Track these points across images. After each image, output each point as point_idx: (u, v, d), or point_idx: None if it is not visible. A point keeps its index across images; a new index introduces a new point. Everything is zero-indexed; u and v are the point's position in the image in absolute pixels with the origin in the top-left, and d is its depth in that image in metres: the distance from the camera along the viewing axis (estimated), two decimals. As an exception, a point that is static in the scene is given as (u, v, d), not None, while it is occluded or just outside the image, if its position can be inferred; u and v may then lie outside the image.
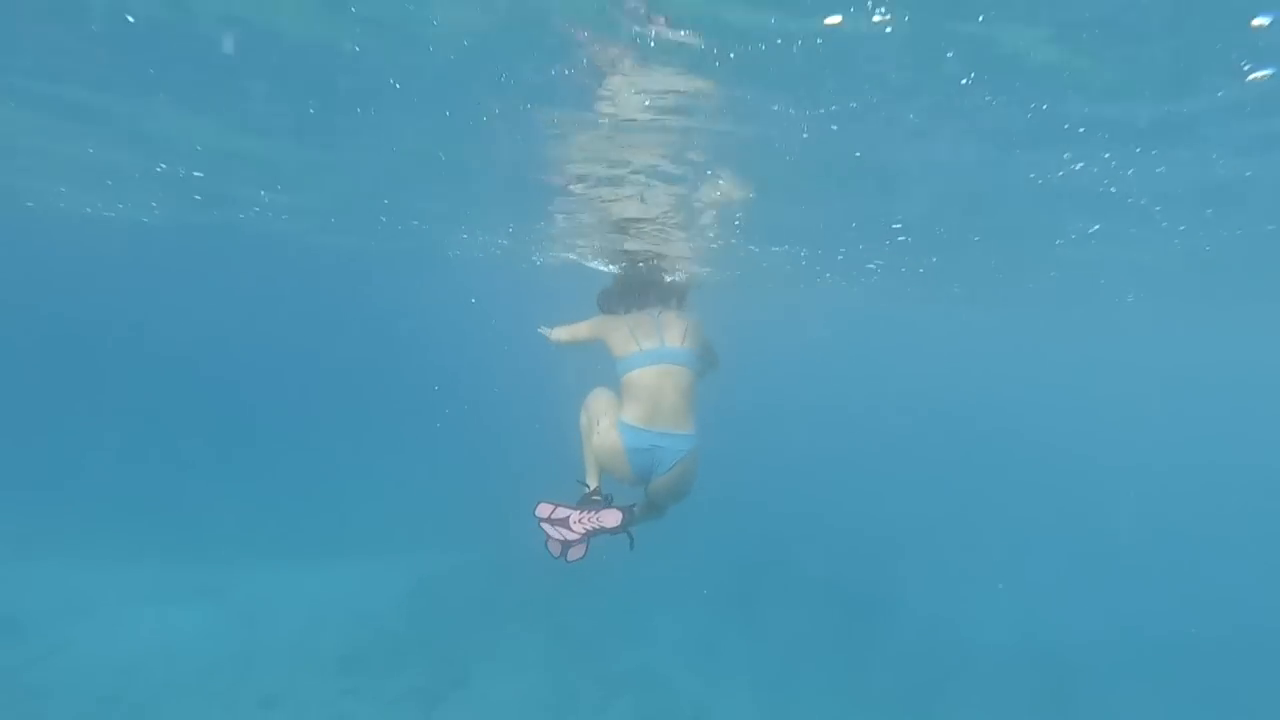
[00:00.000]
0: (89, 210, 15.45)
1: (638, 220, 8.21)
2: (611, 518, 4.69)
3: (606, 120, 5.57)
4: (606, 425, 4.57)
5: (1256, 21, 3.87)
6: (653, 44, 4.36)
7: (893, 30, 4.07)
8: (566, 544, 4.81)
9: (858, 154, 6.39)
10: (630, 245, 8.89)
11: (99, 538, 11.56)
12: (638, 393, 4.54)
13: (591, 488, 4.87)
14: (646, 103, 5.24)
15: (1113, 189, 7.29)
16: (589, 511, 4.74)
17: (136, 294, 34.36)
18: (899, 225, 9.65)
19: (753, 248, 10.90)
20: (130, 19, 4.91)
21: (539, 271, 15.18)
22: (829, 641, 11.24)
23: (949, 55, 4.39)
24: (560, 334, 5.20)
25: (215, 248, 21.76)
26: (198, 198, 12.60)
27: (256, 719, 8.16)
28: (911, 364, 39.15)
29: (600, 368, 5.05)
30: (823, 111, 5.38)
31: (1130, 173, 6.58)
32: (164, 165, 9.86)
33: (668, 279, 5.42)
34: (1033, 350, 32.47)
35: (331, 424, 21.02)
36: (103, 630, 9.35)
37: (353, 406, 25.56)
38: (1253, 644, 12.18)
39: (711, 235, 9.21)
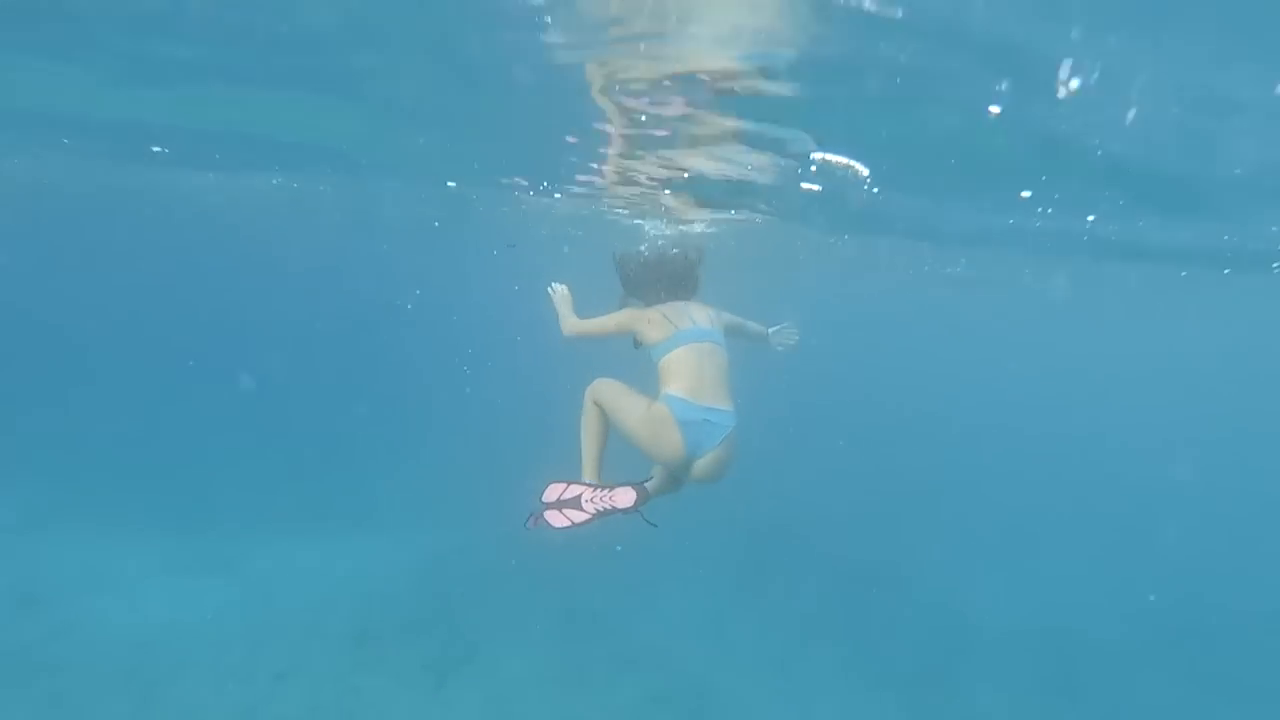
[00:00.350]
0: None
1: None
2: (625, 497, 4.68)
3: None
4: (645, 404, 4.51)
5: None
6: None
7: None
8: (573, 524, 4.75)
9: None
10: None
11: (114, 512, 11.68)
12: (680, 370, 4.54)
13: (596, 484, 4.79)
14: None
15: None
16: (602, 490, 4.73)
17: (155, 266, 34.50)
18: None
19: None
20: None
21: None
22: (836, 620, 11.27)
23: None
24: (582, 326, 5.03)
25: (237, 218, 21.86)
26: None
27: (269, 693, 8.25)
28: (921, 343, 38.91)
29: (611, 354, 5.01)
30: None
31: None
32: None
33: (692, 263, 5.26)
34: (1042, 329, 32.27)
35: (345, 399, 21.06)
36: (118, 604, 9.46)
37: (366, 382, 25.56)
38: (1264, 624, 12.10)
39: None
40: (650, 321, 4.77)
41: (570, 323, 5.09)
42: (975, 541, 14.84)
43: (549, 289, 5.30)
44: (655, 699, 8.83)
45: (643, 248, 5.34)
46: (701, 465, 4.45)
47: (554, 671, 9.14)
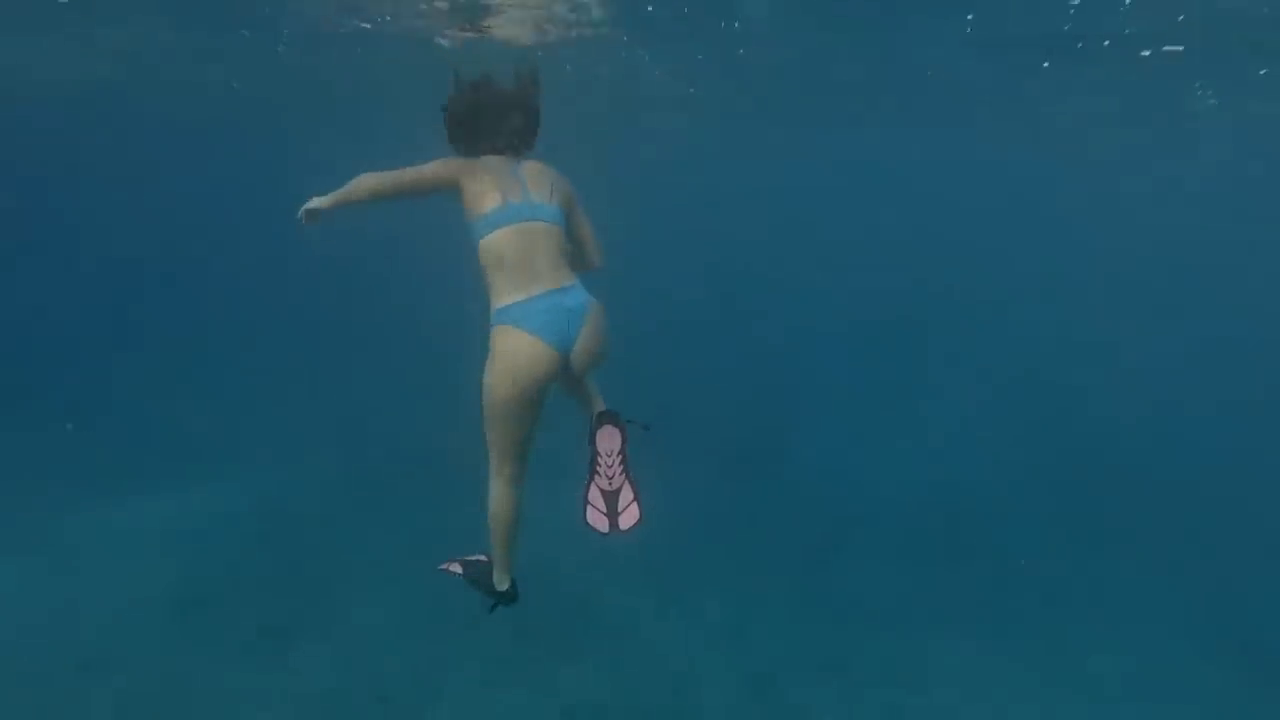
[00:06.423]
0: None
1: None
2: (611, 439, 3.89)
3: None
4: (496, 344, 3.50)
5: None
6: None
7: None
8: (614, 507, 3.94)
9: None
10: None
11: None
12: (505, 257, 3.53)
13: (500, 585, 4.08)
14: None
15: None
16: (600, 459, 3.91)
17: None
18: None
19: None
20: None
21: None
22: (715, 514, 10.79)
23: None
24: (378, 182, 3.63)
25: None
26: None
27: (73, 689, 7.03)
28: (793, 193, 38.25)
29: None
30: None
31: None
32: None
33: (530, 103, 3.92)
34: (911, 175, 32.12)
35: (141, 318, 18.54)
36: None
37: (166, 293, 22.33)
38: (1159, 482, 12.12)
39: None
40: (476, 181, 3.62)
41: (370, 181, 3.63)
42: (851, 410, 14.61)
43: (306, 209, 3.69)
44: (525, 630, 8.02)
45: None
46: (579, 352, 3.56)
47: (416, 613, 8.25)
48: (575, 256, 3.98)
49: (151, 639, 7.69)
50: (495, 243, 3.52)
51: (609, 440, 3.91)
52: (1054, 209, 35.02)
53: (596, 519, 3.95)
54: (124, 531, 9.56)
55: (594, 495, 3.95)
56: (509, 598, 4.04)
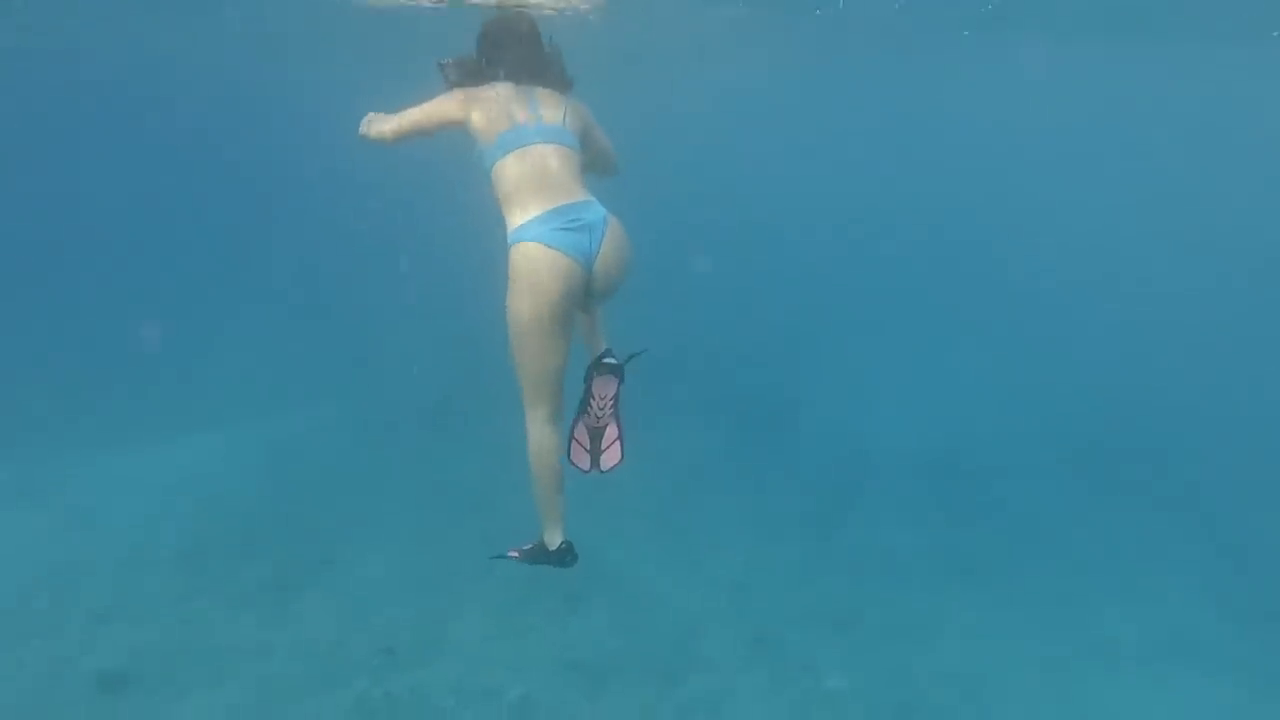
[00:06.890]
0: None
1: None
2: (608, 385, 3.97)
3: None
4: (516, 263, 3.35)
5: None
6: None
7: None
8: (597, 446, 4.07)
9: None
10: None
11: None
12: (520, 179, 3.41)
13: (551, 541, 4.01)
14: None
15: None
16: (593, 400, 3.98)
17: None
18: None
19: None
20: None
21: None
22: (727, 456, 10.68)
23: None
24: (392, 125, 3.68)
25: None
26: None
27: (85, 640, 7.08)
28: (798, 138, 37.42)
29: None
30: None
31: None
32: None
33: (544, 42, 3.84)
34: (928, 117, 31.28)
35: (149, 268, 18.38)
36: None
37: (172, 242, 21.87)
38: (1169, 440, 11.73)
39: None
40: (483, 106, 3.51)
41: (382, 124, 3.71)
42: (870, 364, 14.30)
43: (363, 129, 3.77)
44: (531, 582, 7.99)
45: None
46: (602, 265, 3.40)
47: (422, 565, 8.22)
48: (593, 167, 3.90)
49: (158, 589, 7.73)
50: (509, 165, 3.42)
51: (605, 386, 3.96)
52: (1062, 159, 34.10)
53: (579, 456, 4.03)
54: (132, 482, 9.58)
55: (580, 432, 4.01)
56: (565, 557, 3.97)
